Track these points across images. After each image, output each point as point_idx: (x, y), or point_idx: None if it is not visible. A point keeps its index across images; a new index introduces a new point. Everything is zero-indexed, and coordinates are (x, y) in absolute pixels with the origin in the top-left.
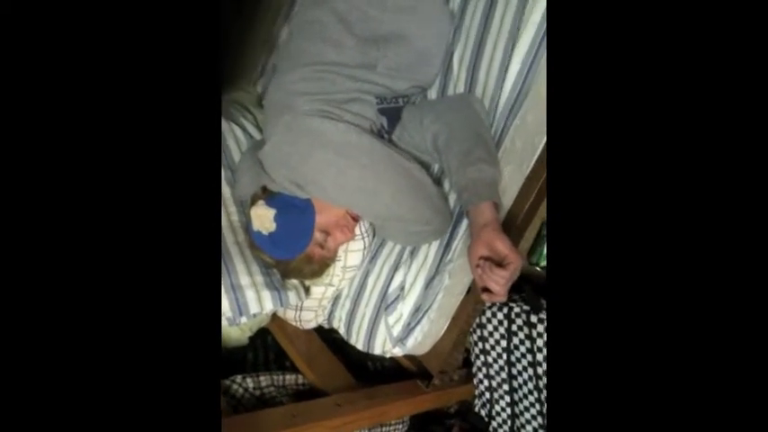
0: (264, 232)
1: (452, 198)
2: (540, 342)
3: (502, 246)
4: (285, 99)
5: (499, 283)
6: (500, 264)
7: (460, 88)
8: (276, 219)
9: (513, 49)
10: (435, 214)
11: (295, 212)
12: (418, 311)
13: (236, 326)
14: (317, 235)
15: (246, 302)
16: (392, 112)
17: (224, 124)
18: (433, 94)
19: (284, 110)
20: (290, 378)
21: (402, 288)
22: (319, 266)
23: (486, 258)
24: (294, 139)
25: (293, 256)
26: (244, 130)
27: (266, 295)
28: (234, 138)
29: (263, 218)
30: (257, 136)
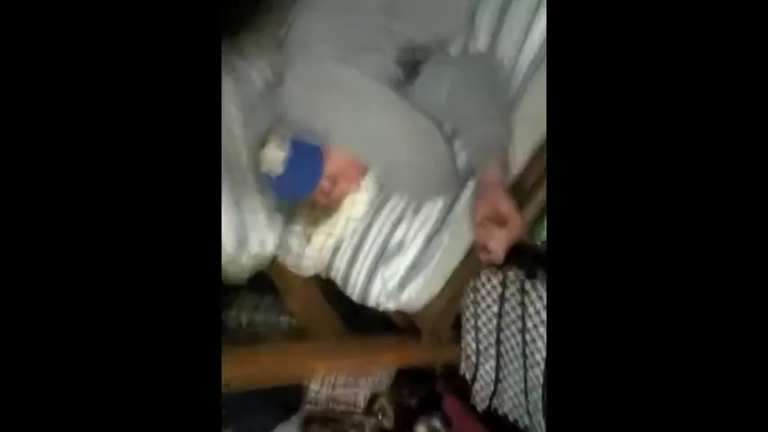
0: (272, 174)
1: (461, 160)
2: (531, 309)
3: (505, 206)
4: (301, 42)
5: (498, 243)
6: (502, 224)
7: (482, 48)
8: (284, 162)
9: (535, 12)
10: (445, 171)
11: (304, 157)
12: (415, 268)
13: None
14: (324, 183)
15: (247, 239)
16: (410, 66)
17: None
18: (453, 50)
19: (300, 52)
20: (284, 320)
21: (401, 244)
22: (322, 213)
23: (489, 218)
24: (310, 82)
25: (297, 200)
26: (262, 71)
27: (268, 235)
28: (256, 70)
29: (273, 160)
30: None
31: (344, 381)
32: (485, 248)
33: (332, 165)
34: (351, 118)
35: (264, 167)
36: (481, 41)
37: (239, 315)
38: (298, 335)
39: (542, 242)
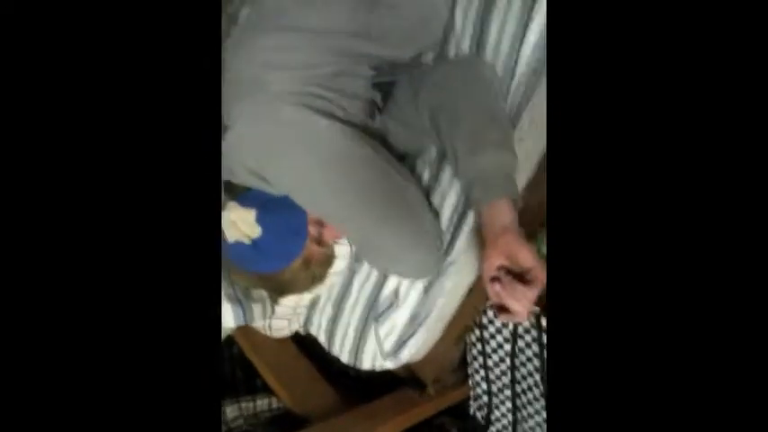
0: (246, 241)
1: (455, 191)
2: None
3: (526, 257)
4: (255, 73)
5: (522, 302)
6: (521, 277)
7: (464, 48)
8: (259, 220)
9: (533, 4)
10: (424, 255)
11: (279, 207)
12: (415, 320)
13: None
14: (311, 229)
15: None
16: (388, 86)
17: None
18: (428, 56)
19: (253, 87)
20: (261, 403)
21: (396, 294)
22: (320, 268)
23: (505, 270)
24: (264, 132)
25: (288, 264)
26: None
27: (227, 309)
28: None
29: (243, 222)
30: None
31: None
32: (503, 309)
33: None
34: (312, 181)
35: (232, 235)
36: (466, 38)
37: None
38: (280, 417)
39: (542, 256)
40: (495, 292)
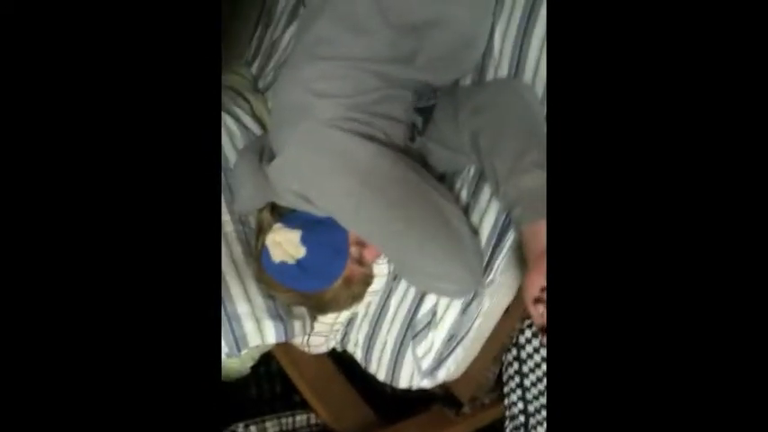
0: (291, 261)
1: (494, 210)
2: None
3: None
4: (302, 100)
5: None
6: None
7: (503, 71)
8: (303, 241)
9: None
10: (465, 273)
11: (322, 228)
12: (452, 340)
13: (234, 357)
14: (352, 249)
15: (245, 335)
16: (427, 108)
17: None
18: (467, 79)
19: (301, 115)
20: (300, 419)
21: (434, 313)
22: (360, 288)
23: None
24: (313, 156)
25: (330, 284)
26: (237, 120)
27: (268, 325)
28: (226, 130)
29: (289, 243)
30: (253, 128)
31: None
32: (544, 330)
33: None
34: (357, 204)
35: (278, 256)
36: (505, 61)
37: (248, 429)
38: None
39: None
40: (539, 313)
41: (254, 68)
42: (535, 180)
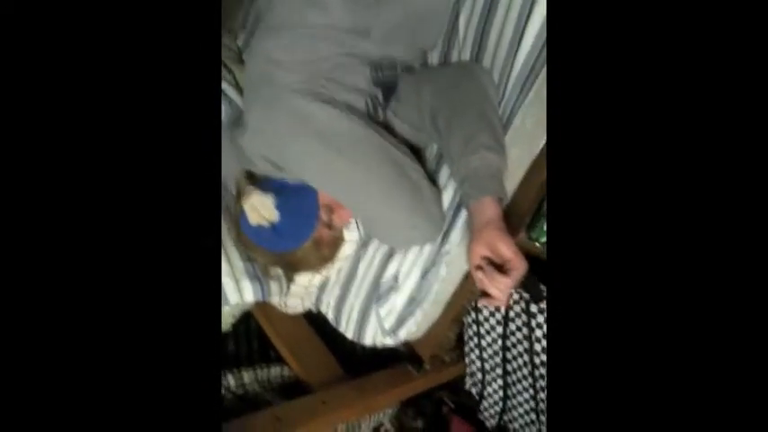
0: (266, 224)
1: (452, 187)
2: (538, 332)
3: (505, 248)
4: (265, 68)
5: (501, 289)
6: (502, 267)
7: (466, 54)
8: (276, 205)
9: (528, 17)
10: (426, 220)
11: (294, 193)
12: (412, 303)
13: None
14: (322, 213)
15: (225, 293)
16: (388, 83)
17: None
18: (434, 58)
19: (264, 82)
20: (274, 371)
21: (396, 278)
22: (329, 250)
23: (488, 260)
24: (275, 120)
25: (299, 244)
26: (223, 93)
27: (246, 285)
28: None
29: (263, 207)
30: (237, 100)
31: (346, 426)
32: (486, 295)
33: (322, 195)
34: (320, 163)
35: (254, 219)
36: (466, 47)
37: (226, 376)
38: (291, 385)
39: (542, 244)
40: (479, 278)
41: (240, 40)
42: (482, 160)
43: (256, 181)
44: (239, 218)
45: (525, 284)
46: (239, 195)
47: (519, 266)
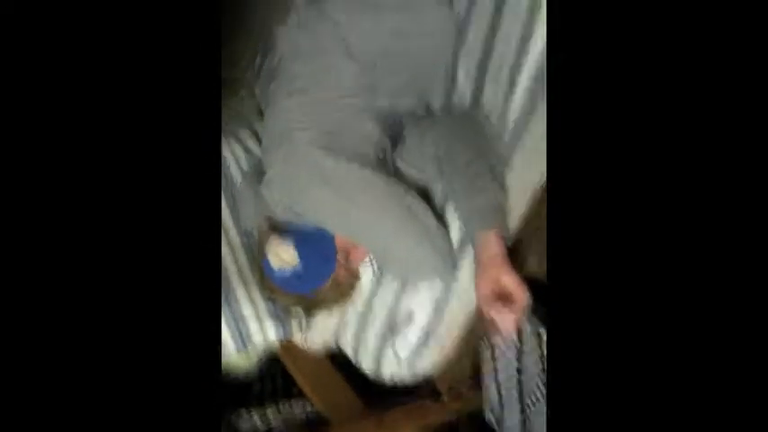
0: (288, 268)
1: (458, 224)
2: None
3: (509, 281)
4: (282, 128)
5: (506, 322)
6: (507, 300)
7: (466, 100)
8: (297, 250)
9: (521, 65)
10: (435, 255)
11: (313, 239)
12: (428, 337)
13: (242, 352)
14: (339, 256)
15: (250, 334)
16: (395, 131)
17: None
18: (436, 104)
19: (282, 140)
20: (297, 406)
21: (410, 313)
22: (347, 288)
23: (494, 293)
24: (293, 173)
25: (319, 286)
26: (241, 143)
27: (269, 325)
28: (231, 153)
29: (285, 253)
30: (256, 150)
31: None
32: (493, 327)
33: (338, 239)
34: (334, 211)
35: (276, 264)
36: (465, 94)
37: (251, 415)
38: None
39: None
40: (486, 311)
41: (257, 89)
42: (485, 199)
43: (278, 227)
44: (262, 262)
45: (535, 309)
46: (262, 241)
47: (522, 298)
